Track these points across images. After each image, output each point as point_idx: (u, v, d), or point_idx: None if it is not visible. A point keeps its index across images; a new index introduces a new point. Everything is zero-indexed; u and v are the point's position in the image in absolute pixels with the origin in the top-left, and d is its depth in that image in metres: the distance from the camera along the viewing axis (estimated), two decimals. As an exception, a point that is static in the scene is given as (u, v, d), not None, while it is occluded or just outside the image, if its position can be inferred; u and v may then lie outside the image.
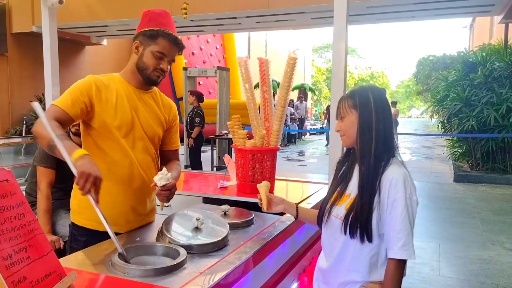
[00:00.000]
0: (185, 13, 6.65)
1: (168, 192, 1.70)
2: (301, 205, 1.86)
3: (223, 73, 9.98)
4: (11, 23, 10.62)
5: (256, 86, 2.86)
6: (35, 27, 9.94)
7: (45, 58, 3.64)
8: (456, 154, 9.93)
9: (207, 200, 2.53)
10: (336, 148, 2.63)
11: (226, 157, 3.00)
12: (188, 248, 1.56)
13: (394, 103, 17.39)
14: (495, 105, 8.35)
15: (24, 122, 10.62)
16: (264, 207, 1.75)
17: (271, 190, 2.35)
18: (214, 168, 8.87)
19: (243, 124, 2.65)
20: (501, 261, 4.13)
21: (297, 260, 2.14)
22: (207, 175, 3.39)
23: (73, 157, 1.49)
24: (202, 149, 8.58)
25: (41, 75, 3.79)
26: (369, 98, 1.50)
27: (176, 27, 1.90)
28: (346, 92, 1.63)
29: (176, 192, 2.61)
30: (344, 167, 1.61)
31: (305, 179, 3.24)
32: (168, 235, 1.63)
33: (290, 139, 16.59)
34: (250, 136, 2.55)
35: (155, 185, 1.68)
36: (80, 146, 1.80)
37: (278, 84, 2.64)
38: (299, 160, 11.81)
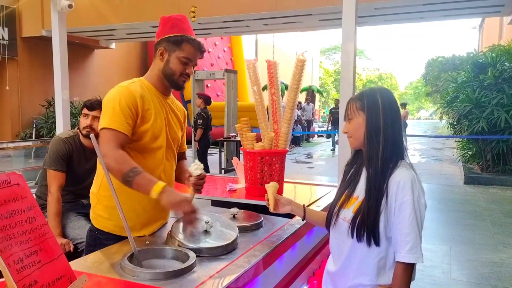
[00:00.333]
0: (194, 16, 6.67)
1: (203, 181, 1.81)
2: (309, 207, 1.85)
3: (231, 75, 9.99)
4: (21, 28, 10.76)
5: (264, 88, 2.86)
6: (45, 31, 10.05)
7: (54, 62, 3.67)
8: (466, 156, 9.83)
9: (215, 203, 2.53)
10: (345, 150, 2.62)
11: (235, 160, 3.00)
12: (198, 252, 1.55)
13: (404, 105, 17.27)
14: (506, 106, 8.26)
15: (34, 126, 10.73)
16: (271, 207, 1.73)
17: (279, 192, 2.34)
18: (222, 171, 8.88)
19: (252, 127, 2.65)
20: (513, 264, 4.07)
21: (307, 264, 2.12)
22: (216, 177, 3.39)
23: (154, 193, 1.56)
24: (209, 152, 8.59)
25: (51, 79, 3.83)
26: (377, 101, 1.48)
27: (185, 30, 1.92)
28: (355, 94, 1.62)
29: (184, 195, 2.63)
30: (352, 170, 1.60)
31: (313, 182, 3.22)
32: (177, 239, 1.63)
33: (295, 141, 16.55)
34: (258, 139, 2.55)
35: (190, 176, 1.79)
36: (93, 148, 1.82)
37: (286, 86, 2.63)
38: (307, 163, 11.78)
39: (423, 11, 8.18)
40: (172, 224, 1.75)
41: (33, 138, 10.18)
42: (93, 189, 1.85)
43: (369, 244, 1.44)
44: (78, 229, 2.51)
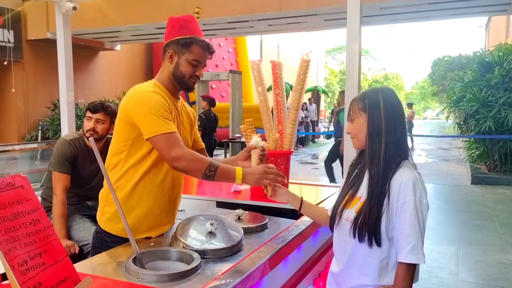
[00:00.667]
0: (198, 17, 6.67)
1: (265, 153, 1.87)
2: None
3: (236, 76, 10.01)
4: (26, 30, 10.82)
5: (269, 89, 2.85)
6: (50, 34, 10.10)
7: (59, 64, 3.68)
8: (473, 156, 9.75)
9: (220, 204, 2.52)
10: (351, 151, 2.60)
11: (240, 161, 2.99)
12: (202, 253, 1.55)
13: (410, 105, 17.18)
14: (513, 106, 8.19)
15: (40, 128, 10.78)
16: (269, 193, 1.71)
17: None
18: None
19: (256, 128, 2.64)
20: (521, 265, 4.03)
21: (312, 265, 2.11)
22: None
23: (238, 181, 1.64)
24: (215, 153, 8.58)
25: (56, 81, 3.84)
26: (379, 101, 1.47)
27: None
28: (359, 94, 1.61)
29: (189, 197, 2.63)
30: (356, 170, 1.59)
31: (319, 183, 3.21)
32: (182, 240, 1.62)
33: (301, 142, 16.50)
34: (263, 139, 2.54)
35: (253, 147, 1.85)
36: (98, 150, 1.81)
37: (291, 87, 2.62)
38: (312, 163, 11.75)
39: (429, 10, 8.13)
40: (177, 226, 1.74)
41: (39, 140, 10.23)
42: (103, 191, 1.85)
43: (370, 244, 1.43)
44: (83, 231, 2.51)
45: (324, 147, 16.41)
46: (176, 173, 1.83)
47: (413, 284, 1.45)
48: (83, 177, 2.62)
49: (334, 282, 1.60)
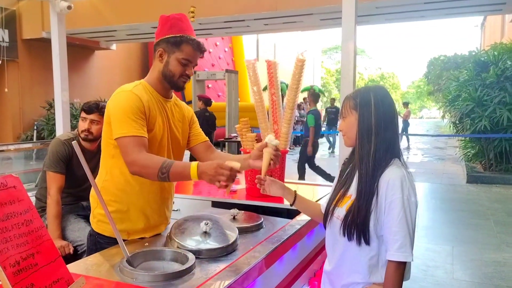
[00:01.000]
0: (193, 17, 6.65)
1: (279, 153, 1.69)
2: None
3: (232, 76, 10.00)
4: (21, 30, 10.76)
5: (265, 88, 2.85)
6: (45, 33, 10.06)
7: (54, 63, 3.67)
8: (469, 155, 9.80)
9: (216, 204, 2.52)
10: (346, 149, 2.60)
11: (235, 160, 2.98)
12: (197, 253, 1.55)
13: (406, 104, 17.22)
14: (508, 105, 8.23)
15: (35, 128, 10.73)
16: (263, 188, 1.69)
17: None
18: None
19: (252, 127, 2.63)
20: (516, 264, 4.05)
21: (308, 264, 2.11)
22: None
23: (194, 178, 1.54)
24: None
25: (52, 81, 3.82)
26: (370, 100, 1.47)
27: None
28: (352, 92, 1.60)
29: (184, 196, 2.62)
30: (348, 168, 1.59)
31: (315, 182, 3.21)
32: (177, 240, 1.62)
33: (297, 141, 16.49)
34: (259, 139, 2.54)
35: (265, 145, 1.67)
36: (93, 150, 1.81)
37: (287, 86, 2.62)
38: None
39: (425, 9, 8.15)
40: (172, 226, 1.74)
41: (34, 140, 10.18)
42: (93, 193, 1.84)
43: (359, 243, 1.44)
44: (78, 231, 2.50)
45: (320, 146, 16.41)
46: None
47: (408, 282, 1.45)
48: (77, 177, 2.61)
49: (327, 280, 1.61)
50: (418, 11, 8.28)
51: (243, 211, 2.11)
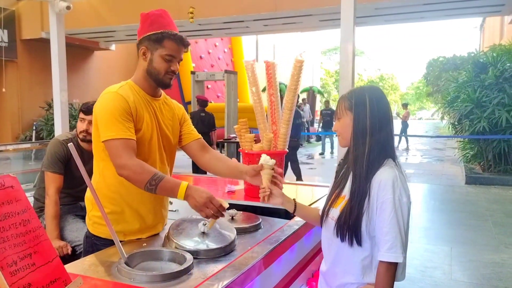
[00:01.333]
0: (192, 17, 6.67)
1: (276, 173, 1.72)
2: None
3: (231, 76, 10.00)
4: (20, 30, 10.76)
5: (264, 89, 2.85)
6: (44, 33, 10.06)
7: (53, 64, 3.67)
8: (468, 156, 9.81)
9: (214, 205, 2.51)
10: (345, 150, 2.61)
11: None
12: (195, 254, 1.55)
13: (405, 105, 17.24)
14: (507, 106, 8.23)
15: (34, 128, 10.73)
16: (265, 199, 1.68)
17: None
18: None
19: (251, 128, 2.63)
20: (514, 265, 4.05)
21: (306, 265, 2.11)
22: (215, 179, 3.37)
23: (180, 198, 1.59)
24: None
25: (51, 81, 3.82)
26: (365, 101, 1.46)
27: (184, 31, 1.90)
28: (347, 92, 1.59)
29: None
30: (343, 169, 1.59)
31: (314, 183, 3.21)
32: (175, 240, 1.62)
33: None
34: (258, 140, 2.54)
35: (261, 167, 1.70)
36: (91, 151, 1.81)
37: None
38: (308, 164, 11.76)
39: (424, 11, 8.17)
40: (170, 226, 1.74)
41: (33, 140, 10.18)
42: (87, 195, 1.84)
43: (351, 243, 1.44)
44: (76, 232, 2.50)
45: (320, 147, 16.45)
46: (161, 170, 1.80)
47: (406, 283, 1.45)
48: (76, 177, 2.61)
49: (324, 281, 1.62)
50: (417, 12, 8.30)
51: (241, 212, 2.11)
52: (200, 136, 2.00)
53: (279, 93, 2.64)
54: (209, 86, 15.85)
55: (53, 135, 5.51)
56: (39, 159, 5.39)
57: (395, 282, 1.48)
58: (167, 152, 1.86)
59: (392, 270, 1.40)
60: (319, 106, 30.50)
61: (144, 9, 1.82)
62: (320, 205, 2.38)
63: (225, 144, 9.34)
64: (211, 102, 15.02)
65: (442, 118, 11.70)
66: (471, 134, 8.79)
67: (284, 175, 2.64)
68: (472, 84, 8.95)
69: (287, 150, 2.62)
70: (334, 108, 15.96)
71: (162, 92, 1.89)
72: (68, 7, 3.49)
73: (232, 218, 2.01)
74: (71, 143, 1.48)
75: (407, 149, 15.22)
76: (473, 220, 5.75)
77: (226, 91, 9.99)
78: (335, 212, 1.51)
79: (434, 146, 16.53)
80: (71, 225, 2.55)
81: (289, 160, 7.25)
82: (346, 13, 2.73)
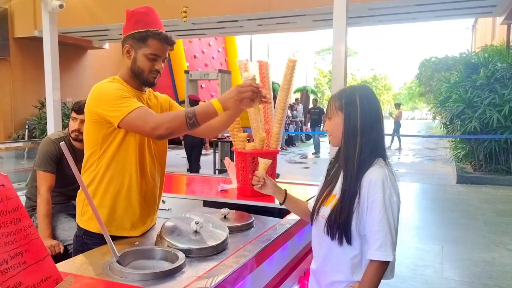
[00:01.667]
0: (185, 17, 6.66)
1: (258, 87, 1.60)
2: None
3: (225, 76, 10.00)
4: (13, 28, 10.69)
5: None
6: (37, 32, 9.99)
7: (45, 62, 3.65)
8: (459, 156, 9.89)
9: (207, 204, 2.52)
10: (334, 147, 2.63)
11: (227, 160, 3.00)
12: (187, 252, 1.55)
13: (398, 105, 17.34)
14: (498, 106, 8.31)
15: (27, 127, 10.65)
16: (258, 187, 1.70)
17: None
18: (217, 171, 8.87)
19: (244, 127, 2.64)
20: (504, 263, 4.10)
21: (298, 263, 2.12)
22: (209, 178, 3.38)
23: (220, 111, 1.55)
24: (204, 153, 8.57)
25: (44, 80, 3.80)
26: (356, 100, 1.47)
27: (178, 30, 1.91)
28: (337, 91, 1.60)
29: (176, 196, 2.62)
30: (334, 168, 1.60)
31: (307, 182, 3.23)
32: (167, 239, 1.62)
33: (290, 142, 16.54)
34: (250, 139, 2.55)
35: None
36: (83, 150, 1.81)
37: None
38: (301, 163, 11.79)
39: (416, 11, 8.23)
40: (163, 225, 1.74)
41: (26, 139, 10.11)
42: (80, 192, 1.84)
43: (341, 242, 1.45)
44: (68, 231, 2.49)
45: (312, 147, 16.50)
46: (150, 166, 1.81)
47: (398, 281, 1.47)
48: (68, 176, 2.60)
49: (314, 279, 1.63)
50: (410, 13, 8.36)
51: (234, 211, 2.12)
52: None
53: (272, 93, 2.65)
54: (203, 85, 15.83)
55: (46, 134, 5.49)
56: (32, 158, 5.36)
57: (385, 281, 1.50)
58: (158, 144, 1.85)
59: (382, 269, 1.42)
60: (312, 105, 30.57)
61: (137, 7, 1.81)
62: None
63: (219, 143, 9.34)
64: (205, 101, 15.02)
65: (434, 118, 11.80)
66: (463, 134, 8.87)
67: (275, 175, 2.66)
68: (463, 85, 9.03)
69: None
70: (322, 106, 16.03)
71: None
72: (61, 6, 3.48)
73: (225, 217, 2.01)
74: (63, 142, 1.47)
75: (399, 148, 15.31)
76: (464, 219, 5.81)
77: (220, 90, 9.98)
78: (325, 211, 1.52)
79: (426, 146, 16.65)
80: (63, 224, 2.55)
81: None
82: (339, 14, 2.74)
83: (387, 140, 14.79)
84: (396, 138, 15.82)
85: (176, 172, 3.89)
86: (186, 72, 10.62)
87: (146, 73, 1.75)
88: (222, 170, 8.75)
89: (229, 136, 9.08)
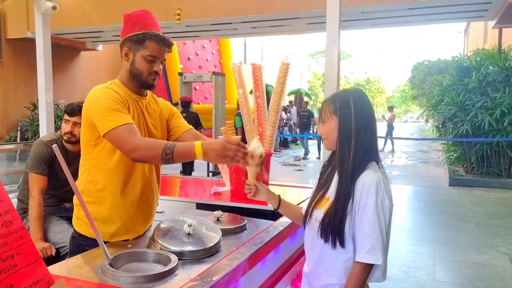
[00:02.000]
0: (179, 19, 6.65)
1: (259, 168, 1.60)
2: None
3: (219, 78, 9.99)
4: (6, 29, 10.62)
5: (252, 91, 2.87)
6: (30, 33, 9.94)
7: (38, 64, 3.63)
8: (451, 158, 9.96)
9: (200, 206, 2.52)
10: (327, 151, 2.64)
11: (220, 163, 3.00)
12: (180, 255, 1.55)
13: (391, 108, 17.43)
14: (489, 109, 8.39)
15: (19, 128, 10.58)
16: (250, 194, 1.68)
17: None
18: (210, 174, 8.86)
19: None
20: (495, 265, 4.13)
21: (291, 266, 2.13)
22: (202, 180, 3.38)
23: (199, 157, 1.52)
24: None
25: (36, 81, 3.78)
26: (350, 104, 1.48)
27: (172, 32, 1.91)
28: (330, 95, 1.60)
29: (169, 198, 2.62)
30: (328, 170, 1.61)
31: (301, 184, 3.24)
32: (160, 242, 1.62)
33: (285, 144, 16.58)
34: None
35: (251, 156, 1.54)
36: (76, 152, 1.80)
37: (273, 89, 2.64)
38: (295, 165, 11.81)
39: (409, 15, 8.30)
40: (155, 227, 1.74)
41: (18, 141, 10.03)
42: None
43: (334, 245, 1.46)
44: (60, 233, 2.48)
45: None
46: (147, 170, 1.80)
47: (390, 283, 1.48)
48: (60, 179, 2.59)
49: (306, 281, 1.63)
50: (402, 16, 8.42)
51: (227, 213, 2.12)
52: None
53: (265, 96, 2.66)
54: (197, 87, 15.81)
55: (38, 136, 5.46)
56: (24, 160, 5.32)
57: (378, 283, 1.51)
58: None
59: (367, 272, 1.42)
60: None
61: (131, 9, 1.82)
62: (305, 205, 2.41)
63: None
64: (198, 103, 15.00)
65: (427, 121, 11.88)
66: (455, 137, 8.94)
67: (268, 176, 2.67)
68: (456, 88, 9.11)
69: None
70: (311, 109, 15.98)
71: (148, 91, 1.89)
72: (54, 7, 3.46)
73: (218, 220, 2.01)
74: (55, 144, 1.47)
75: (392, 151, 15.39)
76: (456, 221, 5.85)
77: (214, 92, 9.97)
78: (319, 214, 1.53)
79: (419, 149, 16.74)
80: (55, 227, 2.53)
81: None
82: (332, 17, 2.76)
83: (380, 142, 14.86)
84: (389, 140, 15.90)
85: (170, 174, 3.89)
86: (180, 74, 10.59)
87: (145, 75, 1.75)
88: (216, 173, 8.74)
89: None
